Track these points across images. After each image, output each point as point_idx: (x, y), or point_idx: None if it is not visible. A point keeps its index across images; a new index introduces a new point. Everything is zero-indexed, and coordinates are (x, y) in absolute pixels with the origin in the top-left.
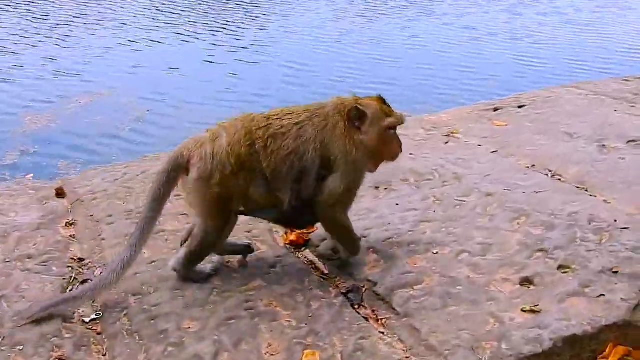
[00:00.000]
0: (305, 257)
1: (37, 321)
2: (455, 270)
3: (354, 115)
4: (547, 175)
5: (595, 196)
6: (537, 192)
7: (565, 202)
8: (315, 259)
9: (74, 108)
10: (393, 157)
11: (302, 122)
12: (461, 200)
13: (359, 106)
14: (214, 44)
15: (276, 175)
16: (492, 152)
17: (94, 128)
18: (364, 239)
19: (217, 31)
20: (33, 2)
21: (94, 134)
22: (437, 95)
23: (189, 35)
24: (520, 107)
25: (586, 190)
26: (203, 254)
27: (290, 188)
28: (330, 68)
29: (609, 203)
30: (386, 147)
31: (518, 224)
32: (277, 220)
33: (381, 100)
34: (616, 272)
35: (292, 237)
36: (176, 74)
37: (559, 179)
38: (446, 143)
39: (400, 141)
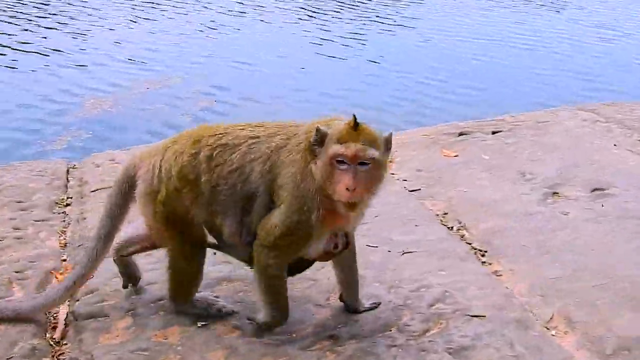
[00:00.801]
0: None
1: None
2: None
3: (314, 138)
4: (450, 228)
5: (491, 263)
6: (403, 253)
7: (428, 271)
8: None
9: (138, 94)
10: (338, 198)
11: (259, 137)
12: None
13: (320, 127)
14: (302, 33)
15: (216, 195)
16: (411, 190)
17: (155, 116)
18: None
19: (305, 20)
20: None
21: (155, 122)
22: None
23: (270, 23)
24: (494, 132)
25: (482, 255)
26: (184, 286)
27: (234, 216)
28: (423, 67)
29: (499, 276)
30: (331, 184)
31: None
32: (247, 260)
33: (352, 123)
34: None
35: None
36: (253, 64)
37: (461, 235)
38: None
39: (352, 179)
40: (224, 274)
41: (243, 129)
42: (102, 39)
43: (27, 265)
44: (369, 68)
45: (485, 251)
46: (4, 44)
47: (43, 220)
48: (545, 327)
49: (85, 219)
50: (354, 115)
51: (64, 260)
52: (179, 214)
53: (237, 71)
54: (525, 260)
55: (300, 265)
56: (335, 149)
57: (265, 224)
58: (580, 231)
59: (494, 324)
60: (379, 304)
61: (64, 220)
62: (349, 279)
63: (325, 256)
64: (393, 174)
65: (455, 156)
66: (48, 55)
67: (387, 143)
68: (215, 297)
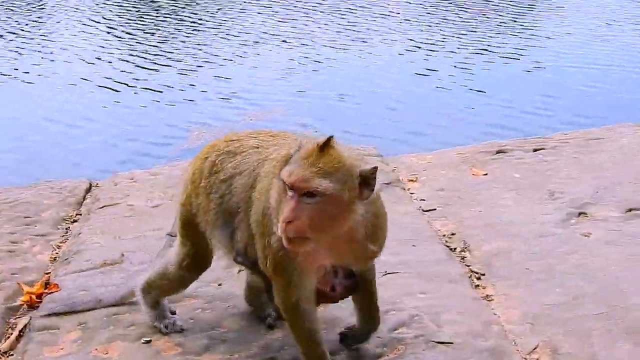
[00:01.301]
0: None
1: None
2: None
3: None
4: (452, 249)
5: (485, 287)
6: (384, 274)
7: (406, 294)
8: None
9: (242, 126)
10: (276, 229)
11: (259, 147)
12: None
13: (303, 141)
14: (406, 65)
15: (208, 204)
16: (425, 210)
17: None
18: None
19: (411, 51)
20: (225, 21)
21: None
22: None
23: (377, 55)
24: (535, 150)
25: (478, 278)
26: (162, 285)
27: (222, 229)
28: (529, 96)
29: (490, 300)
30: (275, 212)
31: None
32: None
33: (321, 145)
34: None
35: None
36: (356, 96)
37: (462, 257)
38: None
39: (289, 210)
40: (188, 291)
41: (255, 137)
42: (210, 74)
43: (6, 277)
44: (475, 97)
45: (483, 274)
46: (121, 81)
47: (42, 235)
48: (524, 359)
49: (80, 234)
50: (330, 137)
51: (47, 273)
52: (191, 220)
53: (339, 103)
54: (525, 284)
55: None
56: (284, 171)
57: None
58: (596, 254)
59: (460, 353)
60: None
61: (63, 236)
62: (361, 314)
63: (323, 298)
64: (412, 193)
65: (484, 175)
66: (161, 92)
67: (365, 179)
68: (172, 312)
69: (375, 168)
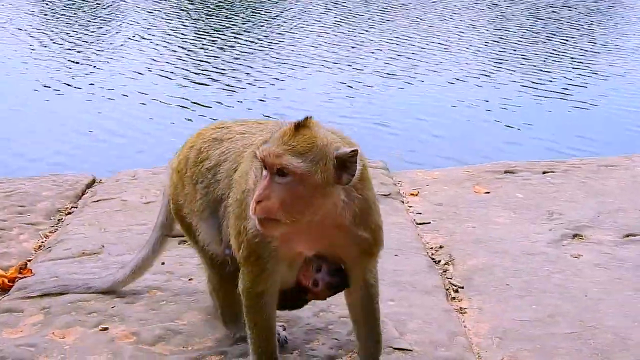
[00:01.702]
0: None
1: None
2: None
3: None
4: (436, 262)
5: (461, 300)
6: None
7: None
8: None
9: None
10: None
11: (246, 134)
12: None
13: (282, 121)
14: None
15: (195, 194)
16: (419, 223)
17: None
18: None
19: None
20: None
21: None
22: None
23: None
24: (544, 172)
25: (456, 291)
26: (228, 299)
27: (209, 221)
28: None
29: (463, 313)
30: (252, 193)
31: None
32: None
33: (296, 124)
34: None
35: None
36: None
37: (444, 270)
38: None
39: (260, 189)
40: (156, 283)
41: (243, 125)
42: (258, 93)
43: None
44: (517, 133)
45: (462, 287)
46: (174, 95)
47: (32, 224)
48: None
49: (68, 225)
50: (307, 117)
51: (29, 260)
52: (180, 211)
53: (382, 128)
54: (501, 299)
55: (294, 301)
56: (260, 148)
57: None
58: (581, 275)
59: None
60: None
61: (53, 226)
62: (363, 339)
63: (307, 293)
64: (410, 206)
65: (486, 193)
66: (210, 107)
67: (342, 162)
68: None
69: (355, 151)
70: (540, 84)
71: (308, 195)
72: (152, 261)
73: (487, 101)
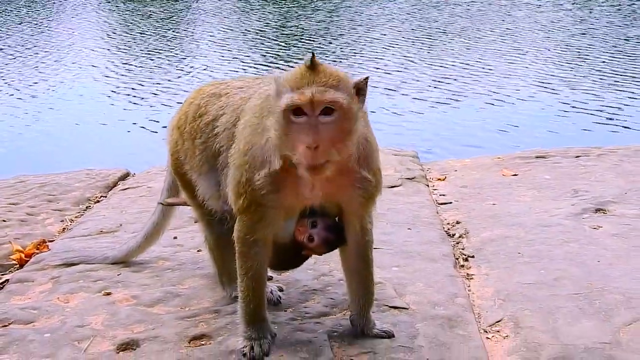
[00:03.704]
0: None
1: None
2: None
3: (271, 89)
4: (451, 235)
5: (469, 267)
6: None
7: (378, 267)
8: None
9: None
10: (298, 160)
11: (243, 87)
12: None
13: (277, 75)
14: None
15: (193, 150)
16: (440, 203)
17: None
18: None
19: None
20: None
21: None
22: None
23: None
24: (577, 157)
25: (465, 259)
26: (225, 260)
27: (208, 176)
28: None
29: (470, 279)
30: (287, 143)
31: None
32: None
33: (308, 63)
34: None
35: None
36: None
37: (456, 242)
38: (392, 187)
39: (312, 135)
40: (165, 254)
41: (242, 80)
42: None
43: (6, 241)
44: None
45: (472, 256)
46: None
47: (59, 210)
48: (484, 330)
49: (92, 209)
50: (312, 54)
51: (51, 241)
52: (180, 168)
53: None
54: (509, 266)
55: (291, 259)
56: (287, 97)
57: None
58: (596, 244)
59: (411, 317)
60: (392, 334)
61: (80, 212)
62: (354, 290)
63: (308, 250)
64: (436, 189)
65: (514, 175)
66: None
67: (359, 89)
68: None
69: (367, 78)
70: None
71: (352, 128)
72: (163, 226)
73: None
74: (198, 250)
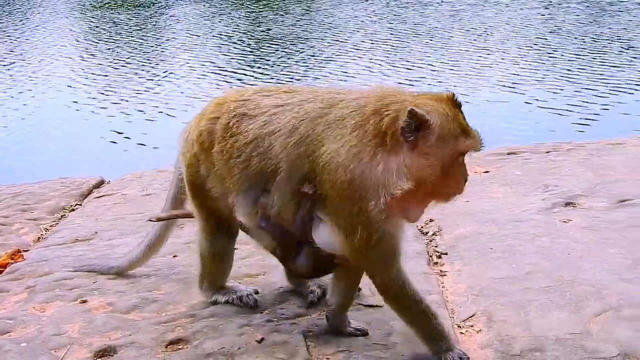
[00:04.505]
0: None
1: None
2: None
3: (407, 123)
4: (424, 233)
5: (443, 264)
6: None
7: None
8: None
9: None
10: (453, 191)
11: (284, 106)
12: None
13: (416, 110)
14: None
15: (229, 169)
16: None
17: None
18: None
19: None
20: None
21: None
22: None
23: None
24: (547, 152)
25: (439, 257)
26: (208, 269)
27: (248, 195)
28: None
29: (443, 275)
30: (447, 178)
31: None
32: (272, 250)
33: (453, 103)
34: None
35: None
36: None
37: (430, 240)
38: None
39: (466, 170)
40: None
41: (268, 96)
42: None
43: None
44: None
45: (445, 253)
46: None
47: (34, 220)
48: (457, 325)
49: (67, 217)
50: (453, 94)
51: (25, 251)
52: (199, 183)
53: None
54: (483, 262)
55: (328, 264)
56: (466, 143)
57: (344, 237)
58: (567, 237)
59: (383, 314)
60: (367, 332)
61: (55, 221)
62: (340, 291)
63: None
64: None
65: (485, 172)
66: None
67: None
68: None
69: None
70: None
71: None
72: (165, 235)
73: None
74: (174, 256)
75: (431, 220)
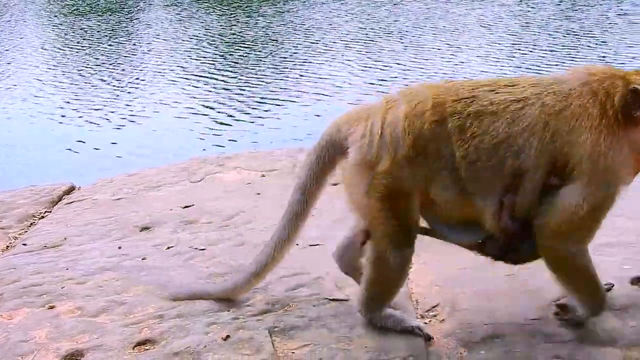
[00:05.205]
0: None
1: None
2: None
3: (633, 101)
4: None
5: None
6: (304, 247)
7: (318, 262)
8: None
9: None
10: None
11: (525, 100)
12: None
13: (637, 87)
14: None
15: (477, 174)
16: None
17: None
18: None
19: None
20: None
21: None
22: None
23: None
24: None
25: None
26: (383, 288)
27: (497, 197)
28: None
29: (410, 269)
30: None
31: None
32: (478, 246)
33: None
34: None
35: None
36: None
37: None
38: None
39: None
40: (110, 265)
41: (494, 91)
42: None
43: None
44: None
45: None
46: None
47: (2, 228)
48: (421, 316)
49: (37, 225)
50: None
51: None
52: (404, 189)
53: None
54: (449, 253)
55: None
56: None
57: (556, 205)
58: None
59: (349, 307)
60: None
61: (24, 229)
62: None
63: None
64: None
65: None
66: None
67: None
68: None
69: None
70: None
71: None
72: (287, 247)
73: None
74: (143, 259)
75: None
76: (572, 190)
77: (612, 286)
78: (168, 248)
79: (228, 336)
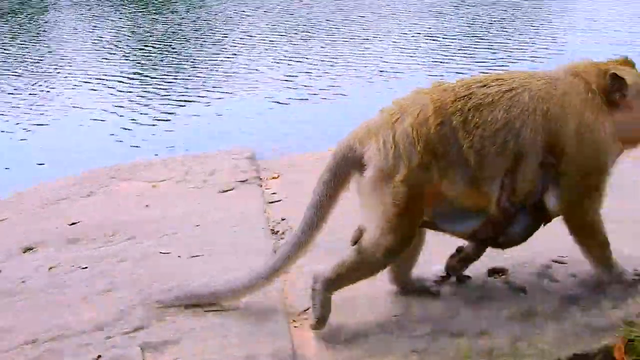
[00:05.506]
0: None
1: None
2: None
3: (613, 85)
4: (275, 232)
5: None
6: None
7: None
8: None
9: None
10: None
11: (516, 89)
12: None
13: (617, 73)
14: None
15: (483, 160)
16: (270, 202)
17: None
18: None
19: None
20: None
21: None
22: None
23: None
24: None
25: None
26: (354, 278)
27: (499, 179)
28: None
29: (286, 272)
30: None
31: None
32: (473, 235)
33: (631, 64)
34: None
35: None
36: None
37: (282, 238)
38: (224, 191)
39: None
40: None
41: (486, 86)
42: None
43: None
44: None
45: None
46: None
47: None
48: (292, 320)
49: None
50: (627, 58)
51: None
52: (420, 192)
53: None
54: (328, 253)
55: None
56: None
57: (561, 187)
58: None
59: (225, 319)
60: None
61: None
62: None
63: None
64: (268, 188)
65: None
66: None
67: None
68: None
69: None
70: None
71: None
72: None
73: None
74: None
75: (283, 219)
76: (570, 165)
77: None
78: (50, 269)
79: (99, 356)
